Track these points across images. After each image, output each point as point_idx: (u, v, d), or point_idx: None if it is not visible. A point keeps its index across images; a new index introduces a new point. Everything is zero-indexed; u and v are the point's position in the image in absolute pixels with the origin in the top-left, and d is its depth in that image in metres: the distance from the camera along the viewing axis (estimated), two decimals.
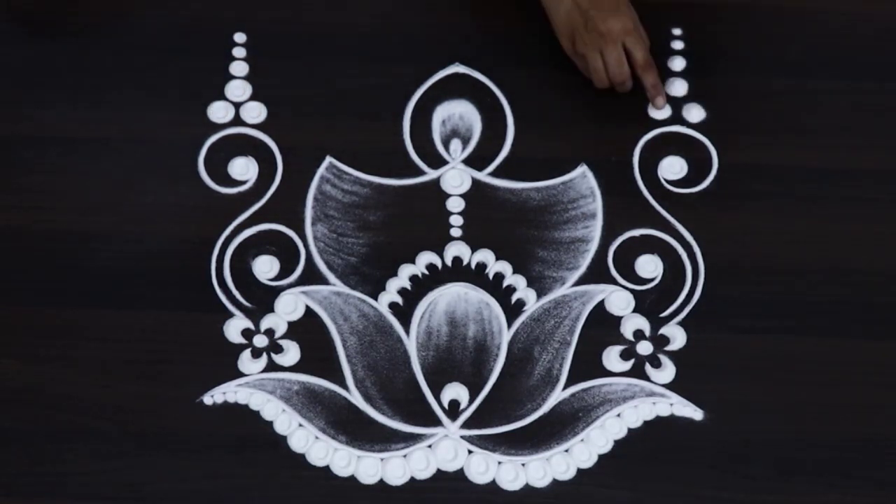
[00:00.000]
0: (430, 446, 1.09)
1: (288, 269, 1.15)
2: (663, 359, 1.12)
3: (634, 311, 1.14)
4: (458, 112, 1.23)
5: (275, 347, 1.12)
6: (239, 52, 1.25)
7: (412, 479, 1.08)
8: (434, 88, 1.23)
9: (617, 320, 1.14)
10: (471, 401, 1.11)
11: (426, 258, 1.16)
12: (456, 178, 1.19)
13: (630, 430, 1.10)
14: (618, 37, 1.18)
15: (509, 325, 1.13)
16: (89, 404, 1.10)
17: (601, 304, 1.14)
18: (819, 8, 1.23)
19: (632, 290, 1.15)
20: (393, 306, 1.14)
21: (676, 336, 1.13)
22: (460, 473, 1.08)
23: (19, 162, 1.20)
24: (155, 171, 1.19)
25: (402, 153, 1.20)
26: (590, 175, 1.19)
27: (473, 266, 1.16)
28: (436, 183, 1.19)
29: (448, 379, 1.11)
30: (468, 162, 1.20)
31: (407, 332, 1.13)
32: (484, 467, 1.08)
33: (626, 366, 1.12)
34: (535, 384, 1.11)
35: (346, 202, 1.18)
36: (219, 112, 1.22)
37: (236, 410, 1.10)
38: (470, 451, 1.09)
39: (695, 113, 1.22)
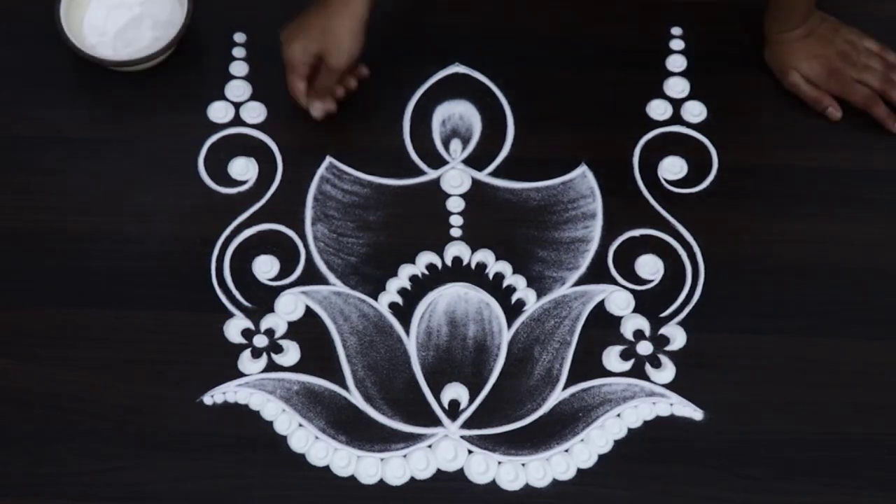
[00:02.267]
0: (430, 446, 1.09)
1: (288, 269, 1.15)
2: (663, 359, 1.12)
3: (634, 311, 1.14)
4: (458, 112, 1.23)
5: (275, 347, 1.12)
6: (239, 52, 1.25)
7: (412, 479, 1.08)
8: (434, 88, 1.23)
9: (617, 320, 1.14)
10: (471, 401, 1.11)
11: (426, 258, 1.16)
12: (456, 178, 1.19)
13: (630, 430, 1.10)
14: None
15: (509, 325, 1.13)
16: (89, 404, 1.10)
17: (601, 304, 1.14)
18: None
19: (632, 290, 1.15)
20: (393, 306, 1.14)
21: (676, 336, 1.13)
22: (460, 473, 1.08)
23: (19, 162, 1.20)
24: (155, 171, 1.19)
25: (402, 153, 1.20)
26: (590, 175, 1.19)
27: (473, 266, 1.16)
28: (436, 183, 1.19)
29: (448, 379, 1.11)
30: (468, 162, 1.20)
31: (407, 332, 1.13)
32: (484, 467, 1.08)
33: (626, 366, 1.12)
34: (535, 384, 1.11)
35: (346, 202, 1.18)
36: (219, 112, 1.22)
37: (236, 410, 1.10)
38: (470, 451, 1.09)
39: (695, 113, 1.22)
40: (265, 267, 1.15)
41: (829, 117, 1.21)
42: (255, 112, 1.22)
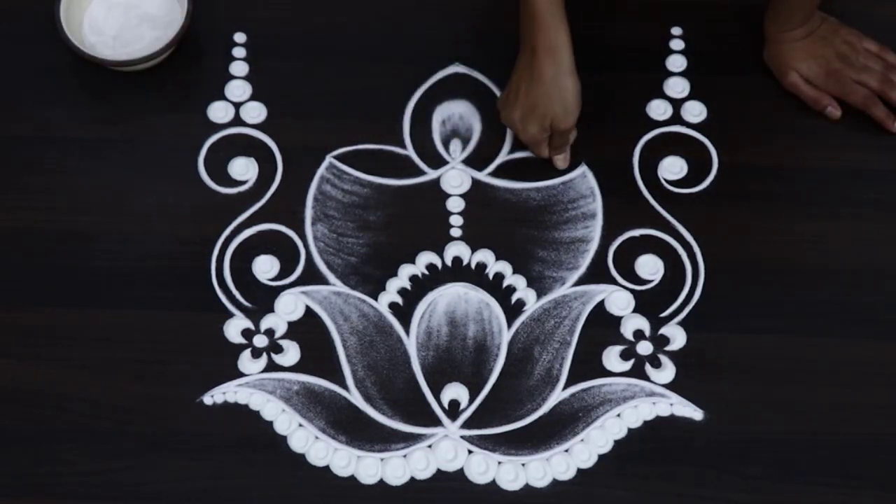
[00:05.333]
0: (430, 446, 1.09)
1: (288, 269, 1.15)
2: (663, 359, 1.12)
3: (634, 311, 1.14)
4: (458, 112, 1.22)
5: (275, 347, 1.12)
6: (239, 52, 1.25)
7: (412, 479, 1.08)
8: (434, 88, 1.23)
9: (617, 320, 1.14)
10: (471, 401, 1.11)
11: (426, 258, 1.16)
12: (456, 178, 1.19)
13: (630, 430, 1.10)
14: None
15: (509, 325, 1.13)
16: (89, 404, 1.10)
17: (601, 304, 1.14)
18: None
19: (632, 290, 1.15)
20: (393, 306, 1.14)
21: (676, 336, 1.13)
22: (460, 473, 1.08)
23: (19, 162, 1.20)
24: (155, 171, 1.19)
25: (402, 153, 1.20)
26: (590, 175, 1.19)
27: (473, 266, 1.16)
28: (436, 183, 1.19)
29: (448, 379, 1.11)
30: (468, 162, 1.20)
31: (407, 332, 1.13)
32: (484, 467, 1.08)
33: (626, 366, 1.12)
34: (535, 384, 1.11)
35: (346, 202, 1.18)
36: (219, 112, 1.22)
37: (236, 410, 1.10)
38: (470, 451, 1.09)
39: (695, 113, 1.22)
40: (265, 267, 1.15)
41: (829, 116, 1.21)
42: (255, 112, 1.22)
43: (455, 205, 1.18)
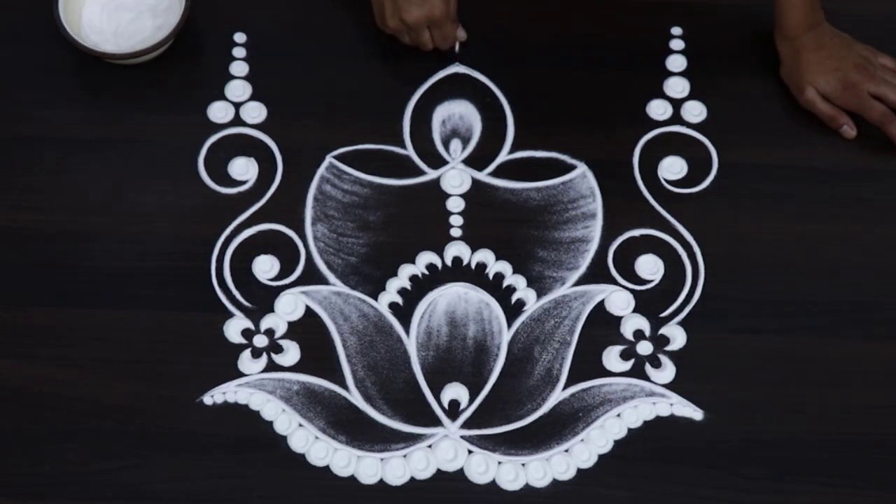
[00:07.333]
0: (430, 446, 1.09)
1: (288, 269, 1.15)
2: (663, 359, 1.12)
3: (634, 311, 1.14)
4: (458, 112, 1.23)
5: (275, 347, 1.12)
6: (239, 52, 1.25)
7: (412, 479, 1.08)
8: (434, 88, 1.23)
9: (617, 320, 1.14)
10: (471, 401, 1.11)
11: (426, 258, 1.16)
12: (456, 178, 1.19)
13: (630, 430, 1.10)
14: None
15: (509, 325, 1.13)
16: (89, 404, 1.10)
17: (601, 304, 1.14)
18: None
19: (632, 290, 1.15)
20: (393, 306, 1.14)
21: (676, 336, 1.13)
22: (460, 473, 1.08)
23: (19, 162, 1.20)
24: (155, 171, 1.19)
25: (402, 153, 1.20)
26: (590, 175, 1.19)
27: (473, 266, 1.16)
28: (436, 183, 1.19)
29: (448, 379, 1.11)
30: (468, 162, 1.20)
31: (407, 332, 1.13)
32: (484, 467, 1.08)
33: (626, 366, 1.12)
34: (535, 384, 1.11)
35: (346, 202, 1.18)
36: (219, 112, 1.22)
37: (236, 410, 1.10)
38: (470, 451, 1.09)
39: (695, 113, 1.22)
40: (265, 267, 1.15)
41: (844, 135, 1.20)
42: (255, 112, 1.22)
43: (455, 205, 1.18)
